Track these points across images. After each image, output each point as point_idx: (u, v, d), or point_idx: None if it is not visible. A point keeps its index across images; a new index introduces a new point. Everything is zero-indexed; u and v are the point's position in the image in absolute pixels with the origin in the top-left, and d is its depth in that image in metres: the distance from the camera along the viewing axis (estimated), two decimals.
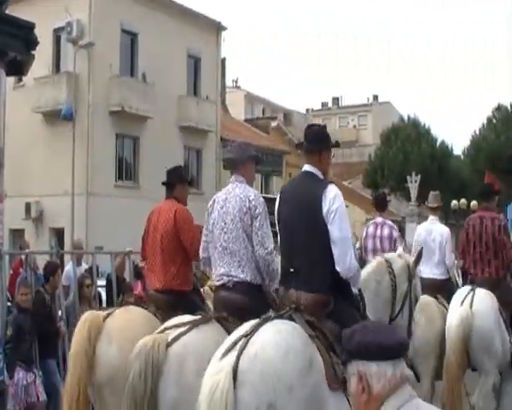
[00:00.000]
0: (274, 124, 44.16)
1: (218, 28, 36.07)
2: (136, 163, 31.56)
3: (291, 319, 4.28)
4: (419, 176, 35.53)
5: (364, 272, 5.74)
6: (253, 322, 4.16)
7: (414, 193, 35.35)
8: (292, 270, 4.79)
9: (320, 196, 4.69)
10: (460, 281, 10.15)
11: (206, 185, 34.14)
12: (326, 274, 4.67)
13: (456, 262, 9.77)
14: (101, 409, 5.58)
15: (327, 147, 5.05)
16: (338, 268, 4.64)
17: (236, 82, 61.43)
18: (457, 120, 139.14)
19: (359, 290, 5.25)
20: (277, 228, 5.11)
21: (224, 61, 39.49)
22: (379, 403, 2.66)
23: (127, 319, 5.77)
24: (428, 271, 8.70)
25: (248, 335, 3.99)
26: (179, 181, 7.01)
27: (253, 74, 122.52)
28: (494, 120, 50.98)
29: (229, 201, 5.37)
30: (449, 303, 8.15)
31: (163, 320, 5.51)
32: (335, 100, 78.50)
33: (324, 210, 4.66)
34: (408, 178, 36.29)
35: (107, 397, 5.46)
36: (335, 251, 4.64)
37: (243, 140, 39.58)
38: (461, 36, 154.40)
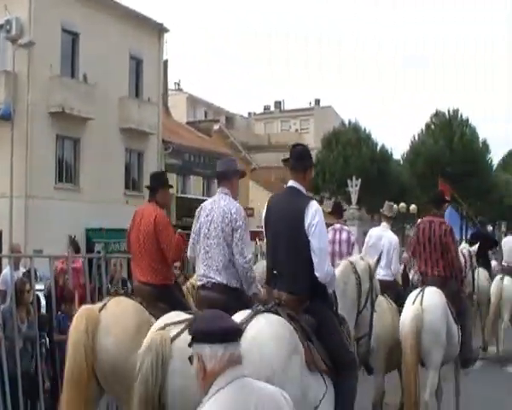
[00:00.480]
0: (216, 127, 44.08)
1: (160, 30, 35.86)
2: (76, 165, 31.10)
3: (276, 312, 5.08)
4: (359, 180, 35.89)
5: None
6: (245, 313, 5.00)
7: (354, 197, 35.72)
8: (275, 272, 5.47)
9: (303, 210, 5.36)
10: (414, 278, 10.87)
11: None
12: (305, 279, 5.35)
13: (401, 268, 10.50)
14: (96, 396, 6.24)
15: (310, 165, 5.82)
16: (317, 274, 5.30)
17: (179, 84, 61.30)
18: (397, 126, 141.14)
19: (333, 291, 5.87)
20: (264, 235, 5.77)
21: (166, 63, 39.26)
22: (212, 379, 3.16)
23: (120, 310, 6.34)
24: (381, 273, 9.35)
25: (244, 323, 4.76)
26: (162, 186, 7.52)
27: (195, 77, 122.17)
28: (432, 126, 51.99)
29: (214, 210, 6.13)
30: (394, 302, 9.29)
31: (147, 309, 6.45)
32: (277, 104, 78.90)
33: (306, 223, 5.32)
34: (348, 181, 36.65)
35: (113, 386, 6.09)
36: (315, 259, 5.30)
37: (185, 143, 39.42)
38: (400, 41, 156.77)
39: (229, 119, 70.57)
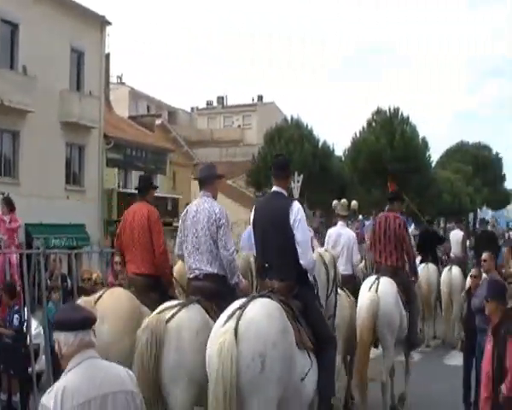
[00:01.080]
0: (158, 122, 43.84)
1: (102, 23, 35.44)
2: (15, 159, 30.53)
3: (269, 297, 6.00)
4: (301, 175, 36.04)
5: None
6: (243, 299, 5.90)
7: (296, 192, 35.80)
8: (266, 265, 6.51)
9: (287, 209, 6.42)
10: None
11: (88, 182, 33.54)
12: (293, 267, 6.42)
13: (361, 262, 11.85)
14: None
15: (290, 173, 7.16)
16: (302, 262, 6.42)
17: (121, 78, 60.66)
18: (339, 122, 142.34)
19: (314, 277, 6.96)
20: (253, 233, 6.79)
21: (108, 56, 38.86)
22: (68, 360, 3.91)
23: (114, 299, 7.36)
24: (341, 268, 10.09)
25: (242, 307, 5.69)
26: (151, 187, 8.66)
27: (138, 71, 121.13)
28: (374, 123, 52.51)
29: (200, 212, 7.09)
30: (353, 295, 10.39)
31: (139, 298, 7.54)
32: (220, 99, 78.74)
33: (291, 220, 6.37)
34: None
35: None
36: (299, 250, 6.38)
37: (127, 137, 39.09)
38: (343, 39, 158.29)
39: (172, 113, 70.17)
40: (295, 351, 5.85)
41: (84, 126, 33.05)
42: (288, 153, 46.88)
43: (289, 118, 52.87)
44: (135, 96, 60.62)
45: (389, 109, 52.52)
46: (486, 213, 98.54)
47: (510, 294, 9.33)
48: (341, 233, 11.51)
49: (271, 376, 5.51)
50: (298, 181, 36.00)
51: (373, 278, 10.10)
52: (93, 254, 13.40)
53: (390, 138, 49.61)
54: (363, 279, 11.15)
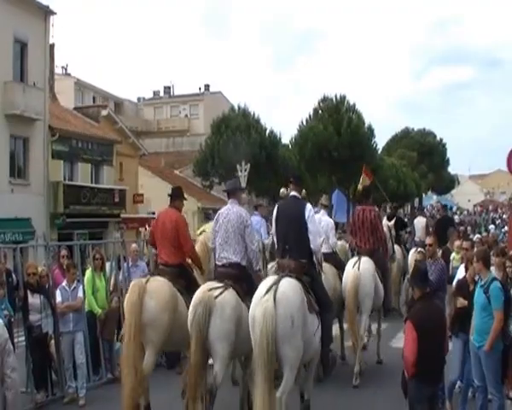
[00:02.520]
0: (104, 112, 43.30)
1: (46, 12, 34.78)
2: None
3: (291, 277, 8.40)
4: (248, 164, 36.14)
5: None
6: (274, 277, 8.40)
7: (244, 181, 35.90)
8: (287, 247, 8.89)
9: (303, 208, 9.00)
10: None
11: (33, 176, 33.02)
12: (306, 250, 8.94)
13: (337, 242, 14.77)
14: (144, 342, 9.43)
15: (302, 183, 9.87)
16: (312, 247, 8.97)
17: (66, 69, 59.87)
18: (286, 110, 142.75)
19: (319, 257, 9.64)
20: (274, 226, 9.35)
21: (52, 46, 38.26)
22: None
23: (157, 283, 9.72)
24: (323, 248, 11.78)
25: (275, 284, 8.13)
26: (180, 197, 10.88)
27: (83, 61, 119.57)
28: (320, 111, 52.81)
29: (230, 215, 9.45)
30: (335, 267, 13.50)
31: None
32: (167, 89, 78.35)
33: (306, 216, 8.94)
34: (238, 166, 36.82)
35: (148, 333, 9.40)
36: (311, 237, 8.92)
37: (72, 129, 38.48)
38: (291, 26, 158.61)
39: (118, 104, 69.59)
40: (308, 314, 8.30)
41: (29, 118, 32.49)
42: (235, 142, 46.94)
43: (236, 107, 52.86)
44: (80, 86, 59.97)
45: (335, 97, 52.92)
46: (431, 198, 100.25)
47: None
48: (321, 220, 13.51)
49: (297, 330, 8.02)
50: (245, 170, 36.04)
51: (355, 258, 13.24)
52: (38, 248, 13.26)
53: (337, 126, 50.02)
54: (345, 259, 14.57)
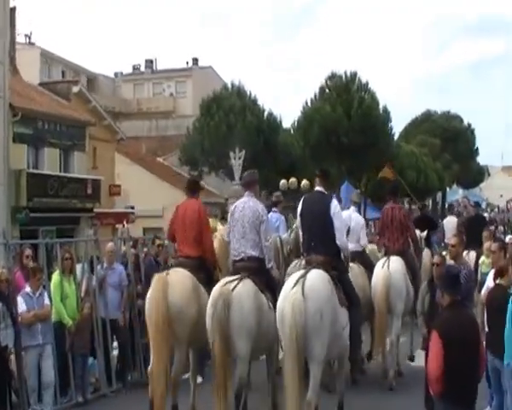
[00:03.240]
0: (75, 89, 43.16)
1: None
2: None
3: (319, 269, 9.56)
4: (243, 152, 36.12)
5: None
6: (301, 271, 9.70)
7: (238, 171, 35.82)
8: (312, 243, 10.15)
9: (329, 204, 10.20)
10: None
11: None
12: (332, 246, 10.13)
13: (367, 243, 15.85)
14: (173, 340, 10.83)
15: (330, 179, 11.06)
16: (338, 243, 10.19)
17: (30, 38, 59.74)
18: (287, 91, 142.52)
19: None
20: (299, 221, 10.65)
21: (13, 10, 38.14)
22: None
23: (179, 275, 11.10)
24: (351, 246, 13.00)
25: (303, 277, 9.31)
26: (198, 189, 12.43)
27: (50, 29, 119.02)
28: (328, 90, 52.69)
29: (246, 209, 10.65)
30: (363, 266, 14.40)
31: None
32: (149, 63, 78.24)
33: (331, 212, 10.12)
34: (231, 154, 36.80)
35: (175, 329, 10.71)
36: (337, 234, 10.13)
37: (38, 108, 38.27)
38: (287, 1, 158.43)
39: (91, 80, 69.51)
40: (338, 307, 9.54)
41: None
42: (228, 125, 46.99)
43: (230, 85, 52.82)
44: (47, 59, 59.90)
45: (345, 74, 52.82)
46: (457, 193, 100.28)
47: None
48: (352, 218, 14.69)
49: (326, 323, 9.17)
50: (239, 158, 36.00)
51: (384, 258, 14.17)
52: None
53: (346, 107, 49.91)
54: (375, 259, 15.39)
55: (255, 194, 10.97)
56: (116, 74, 78.19)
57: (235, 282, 10.06)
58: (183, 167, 52.49)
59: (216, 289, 10.11)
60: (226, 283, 10.10)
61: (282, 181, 39.76)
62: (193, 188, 12.25)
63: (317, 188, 10.65)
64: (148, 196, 45.84)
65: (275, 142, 48.67)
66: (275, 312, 9.73)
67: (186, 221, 11.64)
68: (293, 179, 39.88)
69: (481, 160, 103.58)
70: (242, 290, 9.96)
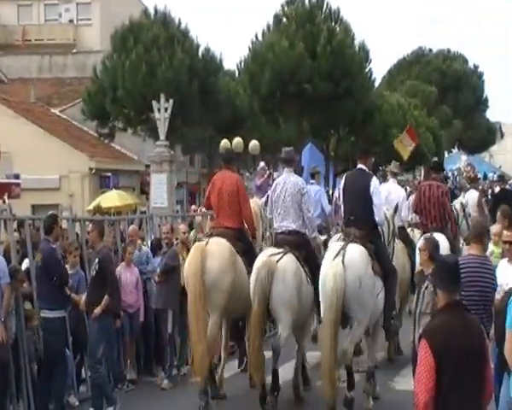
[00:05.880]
0: None
1: None
2: None
3: (356, 242, 14.12)
4: (171, 101, 35.96)
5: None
6: (340, 243, 14.31)
7: (163, 128, 35.69)
8: (351, 217, 14.47)
9: (369, 181, 14.55)
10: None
11: None
12: (370, 221, 14.47)
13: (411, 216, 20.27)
14: (209, 306, 14.76)
15: (372, 156, 15.99)
16: (376, 218, 14.51)
17: None
18: (229, 20, 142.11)
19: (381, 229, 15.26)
20: (341, 196, 15.17)
21: None
22: None
23: (218, 245, 14.91)
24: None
25: (343, 249, 13.93)
26: (235, 158, 17.82)
27: None
28: (284, 20, 52.70)
29: (287, 183, 14.91)
30: (402, 241, 18.30)
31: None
32: None
33: (371, 189, 14.40)
34: (154, 103, 36.62)
35: (212, 296, 14.68)
36: (375, 210, 14.40)
37: None
38: None
39: None
40: (373, 276, 13.93)
41: None
42: (151, 64, 46.73)
43: (152, 10, 52.58)
44: None
45: None
46: (458, 159, 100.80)
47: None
48: (391, 191, 19.09)
49: (365, 290, 13.71)
50: (165, 109, 35.77)
51: (428, 234, 16.80)
52: None
53: (310, 43, 49.98)
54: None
55: (294, 170, 15.73)
56: None
57: (280, 255, 14.38)
58: (88, 122, 52.12)
59: (260, 258, 14.59)
60: (271, 254, 14.54)
61: (224, 141, 39.49)
62: (229, 158, 16.80)
63: (359, 166, 15.08)
64: (38, 161, 45.31)
65: (213, 88, 48.62)
66: (312, 286, 14.52)
67: (224, 194, 15.54)
68: (237, 139, 39.68)
69: (492, 115, 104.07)
70: (286, 265, 14.28)
